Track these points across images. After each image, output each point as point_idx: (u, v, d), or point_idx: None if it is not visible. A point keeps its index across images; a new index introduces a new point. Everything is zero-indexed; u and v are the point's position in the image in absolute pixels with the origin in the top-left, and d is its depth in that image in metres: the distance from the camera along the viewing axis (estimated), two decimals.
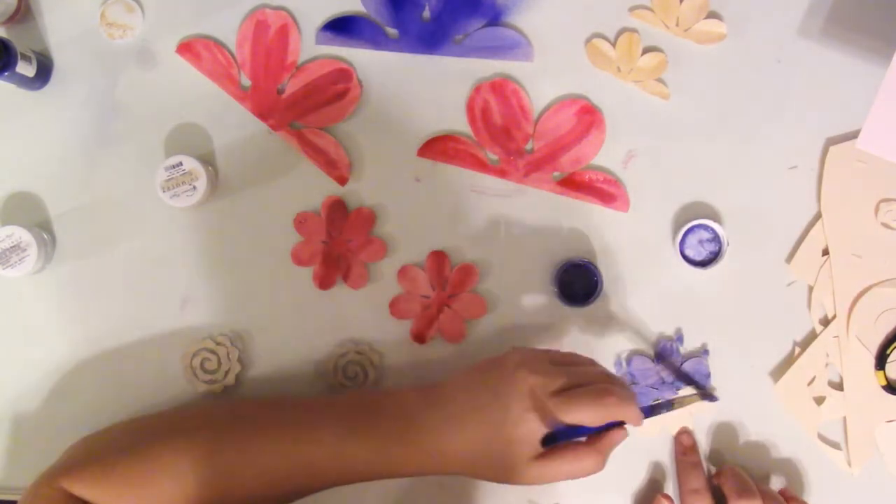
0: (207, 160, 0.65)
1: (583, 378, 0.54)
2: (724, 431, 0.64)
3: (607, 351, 0.65)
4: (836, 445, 0.64)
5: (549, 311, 0.65)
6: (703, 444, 0.65)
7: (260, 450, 0.54)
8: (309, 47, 0.66)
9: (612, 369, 0.65)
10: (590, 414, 0.52)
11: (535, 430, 0.52)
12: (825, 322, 0.65)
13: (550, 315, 0.65)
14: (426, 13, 0.65)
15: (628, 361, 0.64)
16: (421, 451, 0.54)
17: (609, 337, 0.65)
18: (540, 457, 0.52)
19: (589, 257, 0.65)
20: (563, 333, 0.65)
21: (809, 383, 0.64)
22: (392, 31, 0.65)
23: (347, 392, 0.63)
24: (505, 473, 0.53)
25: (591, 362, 0.57)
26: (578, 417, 0.52)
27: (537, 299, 0.65)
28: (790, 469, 0.64)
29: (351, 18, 0.65)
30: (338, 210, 0.65)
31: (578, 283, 0.64)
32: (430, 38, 0.65)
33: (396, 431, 0.55)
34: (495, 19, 0.65)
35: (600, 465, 0.53)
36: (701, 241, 0.64)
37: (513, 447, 0.52)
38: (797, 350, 0.65)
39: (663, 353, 0.64)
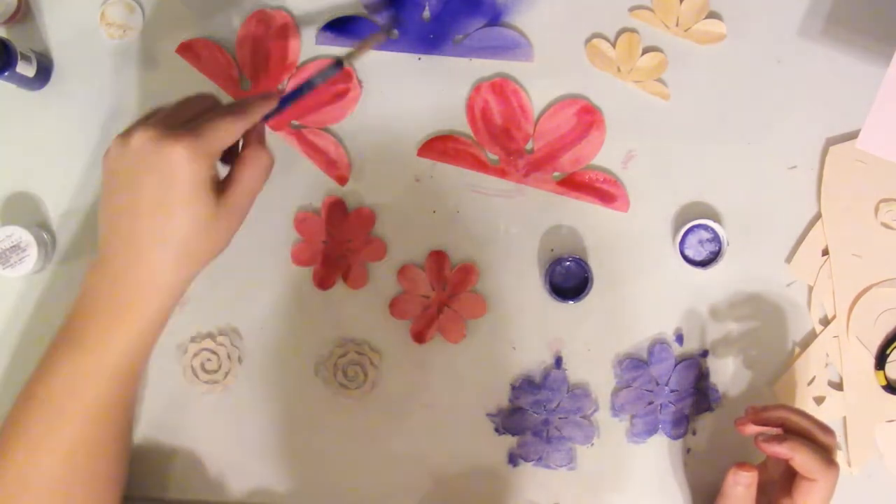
0: None
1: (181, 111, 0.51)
2: (723, 432, 0.64)
3: (608, 351, 0.65)
4: (838, 446, 0.64)
5: (550, 311, 0.65)
6: (703, 444, 0.65)
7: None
8: (309, 47, 0.66)
9: (611, 369, 0.65)
10: (233, 128, 0.50)
11: (193, 172, 0.48)
12: (825, 322, 0.65)
13: (551, 315, 0.65)
14: (426, 13, 0.65)
15: (622, 363, 0.64)
16: (136, 301, 0.51)
17: (610, 337, 0.65)
18: (219, 189, 0.50)
19: (588, 257, 0.65)
20: (563, 334, 0.65)
21: (809, 383, 0.64)
22: (392, 32, 0.65)
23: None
24: (208, 236, 0.50)
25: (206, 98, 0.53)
26: (228, 134, 0.50)
27: (537, 299, 0.65)
28: None
29: (351, 18, 0.65)
30: (338, 210, 0.65)
31: (570, 279, 0.64)
32: (431, 39, 0.65)
33: (106, 312, 0.51)
34: (495, 19, 0.65)
35: (243, 121, 0.51)
36: (701, 241, 0.64)
37: (189, 206, 0.49)
38: (797, 350, 0.65)
39: None
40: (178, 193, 0.48)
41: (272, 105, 0.54)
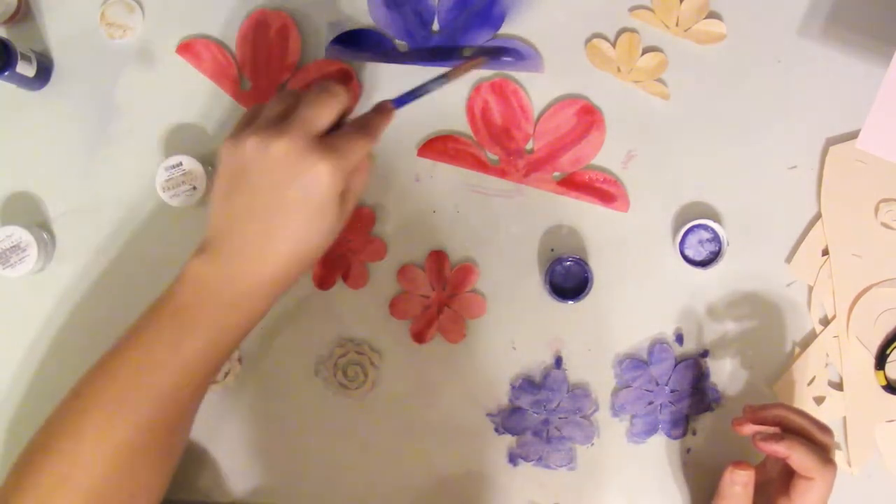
0: (207, 160, 0.65)
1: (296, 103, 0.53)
2: (723, 432, 0.64)
3: (608, 351, 0.65)
4: (836, 446, 0.64)
5: (550, 311, 0.65)
6: (703, 444, 0.65)
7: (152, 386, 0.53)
8: (309, 47, 0.66)
9: (611, 369, 0.65)
10: (366, 148, 0.53)
11: (318, 178, 0.50)
12: (825, 322, 0.65)
13: (551, 315, 0.65)
14: (435, 26, 0.65)
15: (622, 363, 0.64)
16: (245, 289, 0.52)
17: (610, 337, 0.65)
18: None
19: (588, 257, 0.65)
20: (563, 334, 0.65)
21: (809, 383, 0.64)
22: (401, 44, 0.65)
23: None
24: (322, 228, 0.52)
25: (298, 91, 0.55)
26: (362, 154, 0.53)
27: (537, 299, 0.65)
28: None
29: (360, 32, 0.65)
30: None
31: (570, 279, 0.64)
32: (440, 51, 0.65)
33: (215, 299, 0.52)
34: (498, 23, 0.65)
35: (373, 142, 0.54)
36: (701, 241, 0.64)
37: (313, 210, 0.51)
38: (797, 350, 0.65)
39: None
40: (316, 204, 0.51)
41: (391, 119, 0.56)
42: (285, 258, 0.52)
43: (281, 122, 0.51)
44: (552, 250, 0.65)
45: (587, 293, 0.63)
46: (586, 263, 0.63)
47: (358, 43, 0.65)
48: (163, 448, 0.54)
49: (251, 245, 0.52)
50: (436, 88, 0.59)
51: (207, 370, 0.54)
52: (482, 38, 0.65)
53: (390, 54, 0.65)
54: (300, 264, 0.53)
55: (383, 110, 0.56)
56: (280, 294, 0.54)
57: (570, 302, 0.63)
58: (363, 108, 0.65)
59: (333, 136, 0.52)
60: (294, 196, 0.50)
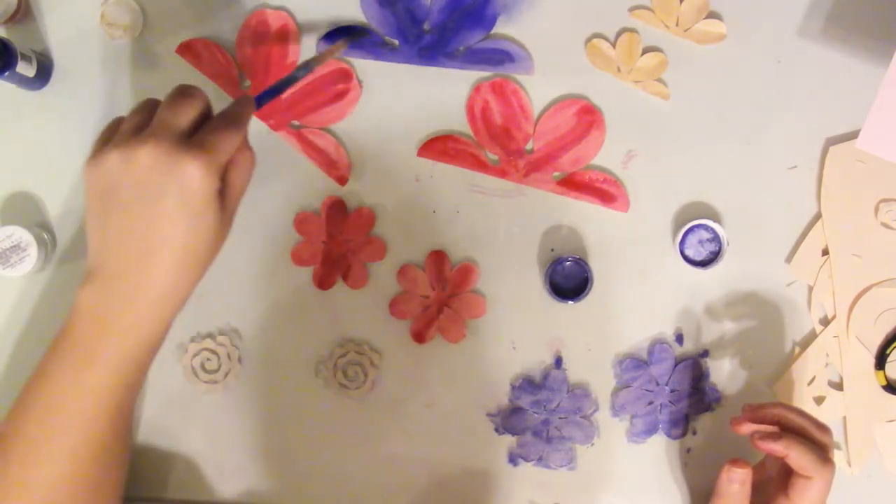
0: None
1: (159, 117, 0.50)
2: (723, 432, 0.64)
3: (608, 351, 0.65)
4: (835, 445, 0.64)
5: (550, 311, 0.65)
6: (702, 444, 0.65)
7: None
8: (309, 48, 0.66)
9: (611, 369, 0.65)
10: (236, 140, 0.51)
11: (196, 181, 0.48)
12: (825, 322, 0.65)
13: (551, 315, 0.65)
14: (427, 25, 0.65)
15: (622, 363, 0.64)
16: (128, 324, 0.50)
17: (610, 337, 0.65)
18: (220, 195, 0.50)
19: (589, 257, 0.65)
20: (563, 334, 0.65)
21: (809, 383, 0.64)
22: (392, 42, 0.65)
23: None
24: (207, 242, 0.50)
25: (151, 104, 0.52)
26: (232, 147, 0.50)
27: (537, 299, 0.65)
28: None
29: (351, 28, 0.65)
30: (338, 210, 0.65)
31: (570, 279, 0.64)
32: (431, 50, 0.65)
33: (99, 327, 0.50)
34: (491, 23, 0.65)
35: (240, 132, 0.52)
36: (701, 241, 0.64)
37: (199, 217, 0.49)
38: (797, 350, 0.65)
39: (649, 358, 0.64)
40: (194, 207, 0.49)
41: (253, 108, 0.54)
42: (171, 271, 0.50)
43: (140, 132, 0.49)
44: (552, 250, 0.65)
45: (587, 293, 0.63)
46: (586, 263, 0.63)
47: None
48: (91, 480, 0.53)
49: (133, 265, 0.49)
50: (301, 76, 0.59)
51: (119, 398, 0.52)
52: (474, 39, 0.65)
53: (381, 52, 0.65)
54: (189, 275, 0.51)
55: (244, 101, 0.54)
56: (177, 309, 0.52)
57: (571, 302, 0.63)
58: (363, 110, 0.65)
59: (198, 133, 0.50)
60: (168, 204, 0.48)
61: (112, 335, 0.51)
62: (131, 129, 0.50)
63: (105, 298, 0.50)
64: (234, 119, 0.52)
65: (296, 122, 0.65)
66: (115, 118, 0.53)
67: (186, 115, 0.50)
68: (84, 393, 0.51)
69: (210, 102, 0.53)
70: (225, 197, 0.51)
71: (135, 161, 0.48)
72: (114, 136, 0.51)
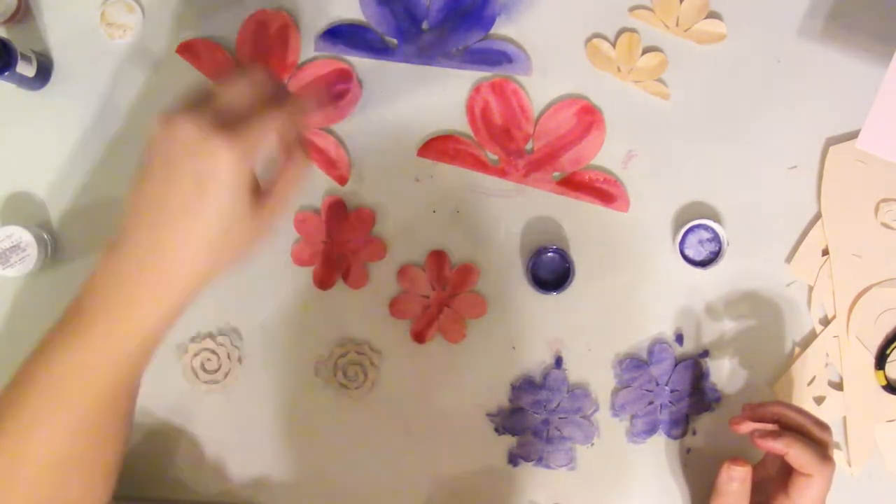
0: None
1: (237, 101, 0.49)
2: (723, 432, 0.64)
3: (608, 351, 0.65)
4: (835, 445, 0.64)
5: (550, 311, 0.65)
6: (702, 444, 0.65)
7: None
8: (309, 48, 0.66)
9: (611, 369, 0.65)
10: (270, 121, 0.48)
11: (235, 176, 0.47)
12: (825, 322, 0.65)
13: (551, 315, 0.65)
14: (425, 24, 0.65)
15: (622, 363, 0.64)
16: (159, 285, 0.49)
17: (610, 337, 0.65)
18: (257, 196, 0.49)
19: (589, 257, 0.65)
20: (563, 334, 0.65)
21: (809, 383, 0.64)
22: (391, 41, 0.65)
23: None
24: (239, 240, 0.49)
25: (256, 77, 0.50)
26: (269, 139, 0.48)
27: (537, 299, 0.65)
28: None
29: (350, 27, 0.65)
30: (338, 210, 0.65)
31: (553, 272, 0.63)
32: (429, 50, 0.65)
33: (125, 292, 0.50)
34: (490, 23, 0.65)
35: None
36: (701, 241, 0.64)
37: (228, 208, 0.48)
38: (797, 350, 0.65)
39: (653, 352, 0.64)
40: (214, 194, 0.47)
41: (311, 110, 0.54)
42: (184, 250, 0.49)
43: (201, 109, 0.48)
44: None
45: (569, 284, 0.63)
46: (566, 253, 0.63)
47: (348, 37, 0.65)
48: (88, 460, 0.53)
49: (151, 234, 0.49)
50: None
51: (121, 375, 0.51)
52: (472, 39, 0.65)
53: (379, 51, 0.65)
54: (206, 259, 0.49)
55: (305, 102, 0.53)
56: (194, 289, 0.50)
57: (554, 293, 0.63)
58: (364, 110, 0.65)
59: (249, 119, 0.48)
60: (188, 182, 0.47)
61: (121, 306, 0.49)
62: (196, 101, 0.49)
63: (118, 265, 0.50)
64: (291, 113, 0.50)
65: None
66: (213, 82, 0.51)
67: (245, 95, 0.49)
68: (88, 369, 0.50)
69: (272, 82, 0.51)
70: (266, 200, 0.50)
71: (173, 133, 0.47)
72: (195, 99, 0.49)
